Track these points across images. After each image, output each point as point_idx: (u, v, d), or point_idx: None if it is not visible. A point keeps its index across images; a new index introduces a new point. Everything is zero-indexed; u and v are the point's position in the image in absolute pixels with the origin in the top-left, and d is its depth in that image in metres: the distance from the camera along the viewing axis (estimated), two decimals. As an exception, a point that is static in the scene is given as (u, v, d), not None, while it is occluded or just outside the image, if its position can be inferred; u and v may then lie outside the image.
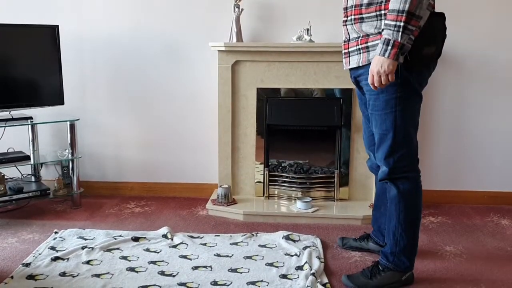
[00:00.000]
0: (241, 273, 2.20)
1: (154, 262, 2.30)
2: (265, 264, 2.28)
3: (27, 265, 2.26)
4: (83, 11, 3.22)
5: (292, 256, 2.36)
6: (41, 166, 3.31)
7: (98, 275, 2.17)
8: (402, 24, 1.74)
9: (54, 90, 3.05)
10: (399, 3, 1.74)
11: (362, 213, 2.87)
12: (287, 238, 2.55)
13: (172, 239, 2.56)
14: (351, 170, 3.10)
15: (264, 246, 2.50)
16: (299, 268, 2.24)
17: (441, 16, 1.89)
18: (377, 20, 1.89)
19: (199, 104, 3.28)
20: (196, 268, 2.25)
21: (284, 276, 2.16)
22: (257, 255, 2.38)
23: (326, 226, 2.82)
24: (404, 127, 1.94)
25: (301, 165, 3.23)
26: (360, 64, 1.98)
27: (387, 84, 1.85)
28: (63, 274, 2.18)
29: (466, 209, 3.16)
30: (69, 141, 3.06)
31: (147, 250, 2.44)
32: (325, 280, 2.13)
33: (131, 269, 2.23)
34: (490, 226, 2.85)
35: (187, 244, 2.51)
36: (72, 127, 3.05)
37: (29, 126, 3.15)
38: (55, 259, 2.31)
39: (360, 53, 1.97)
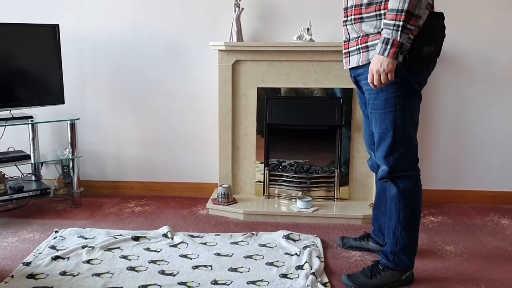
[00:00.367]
0: (241, 272, 2.20)
1: (154, 262, 2.30)
2: (265, 264, 2.29)
3: (28, 264, 2.26)
4: (84, 10, 3.22)
5: (292, 255, 2.37)
6: (42, 165, 3.31)
7: (98, 274, 2.17)
8: (401, 23, 1.75)
9: (54, 89, 3.05)
10: (398, 3, 1.74)
11: (362, 213, 2.87)
12: (287, 237, 2.55)
13: (172, 239, 2.57)
14: (351, 169, 3.10)
15: (264, 245, 2.50)
16: (299, 267, 2.24)
17: (440, 15, 1.90)
18: (376, 20, 1.89)
19: (199, 103, 3.29)
20: (196, 267, 2.25)
21: (284, 276, 2.16)
22: (257, 255, 2.38)
23: (326, 226, 2.82)
24: (403, 126, 1.95)
25: (301, 164, 3.23)
26: (360, 64, 1.98)
27: (387, 83, 1.85)
28: (63, 273, 2.18)
29: (466, 208, 3.16)
30: (69, 140, 3.06)
31: (148, 249, 2.45)
32: (325, 279, 2.14)
33: (131, 269, 2.23)
34: (490, 226, 2.85)
35: (187, 244, 2.51)
36: (73, 126, 3.05)
37: (30, 125, 3.15)
38: (56, 258, 2.31)
39: (360, 53, 1.98)
